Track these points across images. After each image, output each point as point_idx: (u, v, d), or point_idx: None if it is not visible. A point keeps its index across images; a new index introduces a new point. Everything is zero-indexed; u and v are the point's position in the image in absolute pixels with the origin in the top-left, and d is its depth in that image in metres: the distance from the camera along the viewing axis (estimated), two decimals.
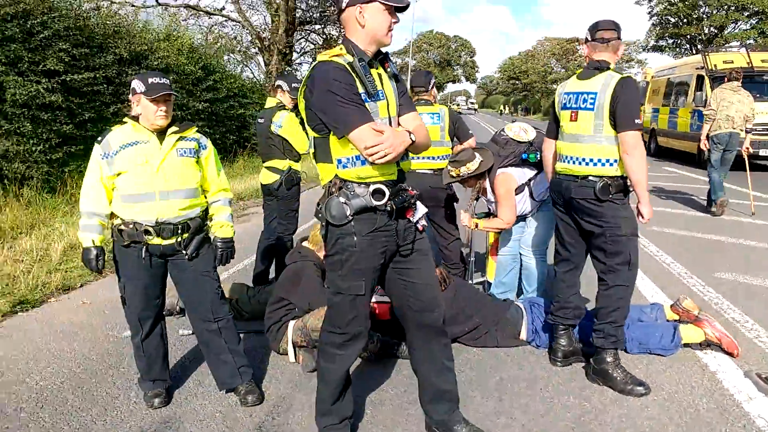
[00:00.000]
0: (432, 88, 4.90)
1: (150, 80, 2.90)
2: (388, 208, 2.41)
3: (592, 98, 3.15)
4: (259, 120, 5.10)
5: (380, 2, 2.35)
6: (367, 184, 2.39)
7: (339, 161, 2.40)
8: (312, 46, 21.73)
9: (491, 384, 3.33)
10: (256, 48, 19.08)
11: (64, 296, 5.03)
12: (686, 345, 3.64)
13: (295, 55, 20.41)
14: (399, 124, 2.50)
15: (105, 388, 3.33)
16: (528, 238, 4.41)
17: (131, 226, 2.93)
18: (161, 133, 2.98)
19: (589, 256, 3.45)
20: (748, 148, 8.30)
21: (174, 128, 3.02)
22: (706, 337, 3.61)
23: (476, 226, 4.32)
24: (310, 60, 21.80)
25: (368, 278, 2.50)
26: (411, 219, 2.54)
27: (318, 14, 19.54)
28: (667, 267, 5.57)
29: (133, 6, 15.88)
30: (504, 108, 77.40)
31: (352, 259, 2.44)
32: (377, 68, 2.47)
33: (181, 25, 15.44)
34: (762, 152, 12.66)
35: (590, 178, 3.19)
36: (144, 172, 2.90)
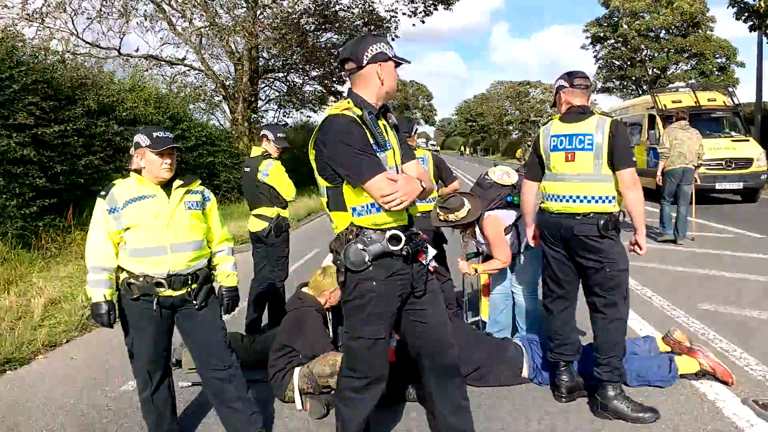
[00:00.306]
0: (414, 134, 5.04)
1: (155, 134, 2.96)
2: (404, 253, 2.49)
3: (589, 139, 3.32)
4: (245, 169, 5.15)
5: (394, 61, 2.53)
6: (383, 230, 2.47)
7: (354, 209, 2.47)
8: (276, 94, 21.99)
9: (500, 424, 3.35)
10: (221, 96, 19.15)
11: (51, 353, 4.89)
12: (682, 376, 3.75)
13: (260, 102, 20.59)
14: (403, 172, 2.60)
15: None
16: (519, 276, 4.51)
17: (141, 279, 2.91)
18: (166, 186, 3.00)
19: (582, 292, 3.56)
20: (696, 179, 8.95)
21: (179, 181, 3.05)
22: (701, 367, 3.74)
23: (475, 271, 4.40)
24: (276, 107, 22.04)
25: (387, 322, 2.56)
26: (423, 262, 2.62)
27: (281, 63, 19.83)
28: (648, 300, 5.75)
29: (95, 57, 15.79)
30: (464, 149, 79.08)
31: (371, 304, 2.49)
32: (381, 120, 2.58)
33: (143, 75, 15.42)
34: (718, 186, 13.25)
35: (592, 215, 3.33)
36: (155, 226, 2.91)
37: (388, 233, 2.47)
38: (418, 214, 4.55)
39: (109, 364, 4.51)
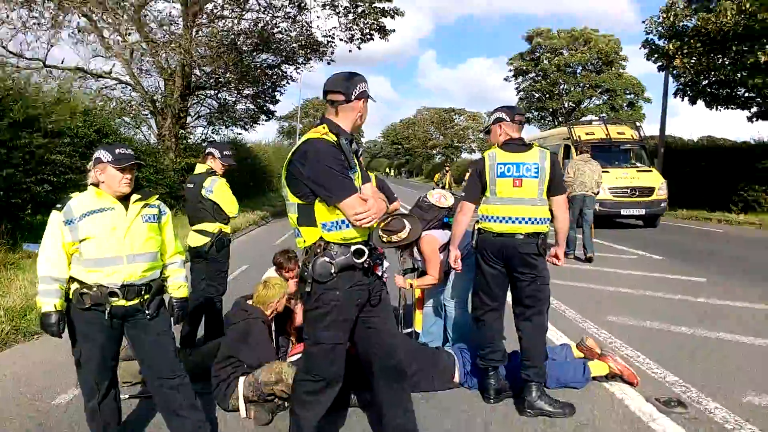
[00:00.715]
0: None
1: (117, 151, 3.05)
2: (366, 265, 2.75)
3: (535, 168, 3.76)
4: (188, 185, 5.23)
5: (368, 98, 2.87)
6: (348, 245, 2.73)
7: (324, 225, 2.72)
8: (207, 111, 21.72)
9: (439, 426, 3.63)
10: (148, 111, 18.70)
11: None
12: (594, 378, 4.19)
13: (189, 119, 20.25)
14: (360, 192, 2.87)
15: None
16: (450, 290, 4.84)
17: (95, 289, 2.98)
18: (124, 200, 3.10)
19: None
20: (596, 207, 10.19)
21: (137, 195, 3.15)
22: (611, 370, 4.20)
23: (410, 285, 4.70)
24: (205, 123, 21.73)
25: (346, 328, 2.81)
26: (378, 273, 2.89)
27: (213, 81, 19.66)
28: (563, 313, 6.26)
29: (17, 67, 15.11)
30: (389, 170, 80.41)
31: (334, 312, 2.74)
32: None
33: (70, 87, 14.90)
34: (623, 212, 14.34)
35: (533, 234, 3.75)
36: (112, 237, 3.00)
37: (353, 247, 2.73)
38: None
39: (37, 379, 4.44)
